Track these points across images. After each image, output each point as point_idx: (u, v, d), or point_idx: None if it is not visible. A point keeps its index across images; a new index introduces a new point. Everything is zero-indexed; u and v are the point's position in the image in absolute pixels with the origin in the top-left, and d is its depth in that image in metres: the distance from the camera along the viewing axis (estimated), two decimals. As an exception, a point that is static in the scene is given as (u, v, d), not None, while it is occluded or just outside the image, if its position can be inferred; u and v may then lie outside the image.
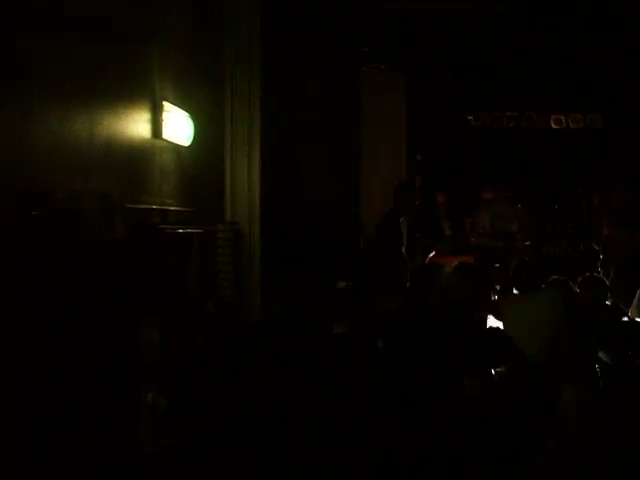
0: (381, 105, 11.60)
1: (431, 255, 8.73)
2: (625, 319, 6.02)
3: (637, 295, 6.13)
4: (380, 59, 11.46)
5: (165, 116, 5.21)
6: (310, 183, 7.78)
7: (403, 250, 7.84)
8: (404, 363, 4.51)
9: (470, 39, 11.20)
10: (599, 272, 6.95)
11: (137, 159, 4.95)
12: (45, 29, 3.52)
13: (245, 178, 6.92)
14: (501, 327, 5.49)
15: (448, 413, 4.32)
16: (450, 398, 4.46)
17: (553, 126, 14.23)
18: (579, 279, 6.17)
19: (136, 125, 4.93)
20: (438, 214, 12.57)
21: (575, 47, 11.42)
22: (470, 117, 14.43)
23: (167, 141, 5.36)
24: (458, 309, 5.03)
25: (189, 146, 5.77)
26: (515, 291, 6.12)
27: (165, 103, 5.24)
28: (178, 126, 5.45)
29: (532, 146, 13.80)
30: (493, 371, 5.03)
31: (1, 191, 3.08)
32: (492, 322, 5.80)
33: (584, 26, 9.72)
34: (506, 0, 8.49)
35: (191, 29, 5.94)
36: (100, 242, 4.16)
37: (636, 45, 10.76)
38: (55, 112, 3.75)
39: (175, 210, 5.46)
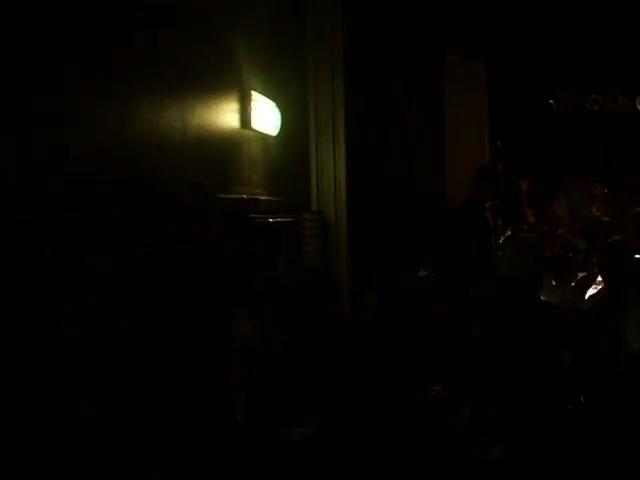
0: (463, 91, 11.47)
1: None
2: None
3: None
4: (460, 45, 11.34)
5: (253, 105, 5.21)
6: (395, 169, 7.72)
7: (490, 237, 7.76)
8: (501, 350, 4.44)
9: (551, 20, 10.99)
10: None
11: (227, 149, 4.97)
12: (134, 18, 3.54)
13: (331, 166, 6.92)
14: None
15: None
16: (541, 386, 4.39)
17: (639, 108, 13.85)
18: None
19: (226, 115, 4.95)
20: (521, 201, 12.34)
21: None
22: (552, 101, 14.14)
23: (255, 131, 5.37)
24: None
25: (276, 135, 5.78)
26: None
27: (253, 92, 5.24)
28: (266, 116, 5.46)
29: (617, 130, 13.43)
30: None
31: (101, 181, 3.11)
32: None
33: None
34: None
35: (273, 13, 5.93)
36: (195, 231, 4.19)
37: None
38: (150, 103, 3.78)
39: (264, 199, 5.48)
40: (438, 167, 9.13)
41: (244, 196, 5.04)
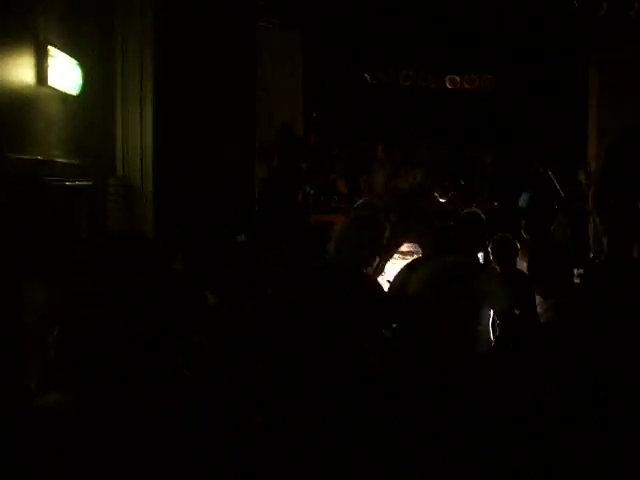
0: (278, 60, 11.43)
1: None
2: None
3: None
4: (276, 12, 11.25)
5: (51, 61, 4.89)
6: (206, 139, 7.53)
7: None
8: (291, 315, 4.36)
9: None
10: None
11: (19, 106, 4.65)
12: None
13: (137, 132, 6.67)
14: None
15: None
16: (338, 357, 4.30)
17: (448, 86, 14.34)
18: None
19: (18, 69, 4.62)
20: (334, 171, 12.49)
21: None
22: (367, 75, 14.36)
23: (53, 88, 5.05)
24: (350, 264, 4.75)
25: (77, 95, 5.47)
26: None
27: (51, 47, 4.92)
28: (65, 73, 5.15)
29: (427, 105, 13.84)
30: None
31: None
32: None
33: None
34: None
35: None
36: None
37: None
38: None
39: (62, 162, 5.18)
40: (249, 135, 9.01)
41: (39, 157, 4.74)
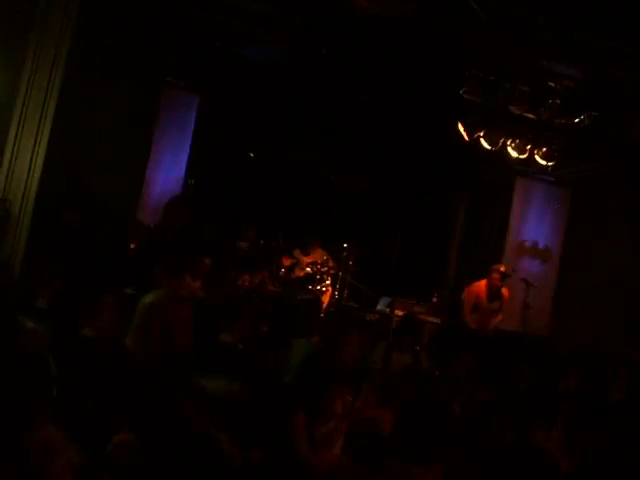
0: (174, 118, 11.37)
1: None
2: None
3: None
4: (181, 75, 11.25)
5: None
6: (96, 177, 7.35)
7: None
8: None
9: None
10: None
11: None
12: None
13: (28, 156, 6.42)
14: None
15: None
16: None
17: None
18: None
19: None
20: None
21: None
22: (251, 154, 14.44)
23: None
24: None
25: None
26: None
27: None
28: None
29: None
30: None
31: None
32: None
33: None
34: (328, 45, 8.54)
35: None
36: None
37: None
38: None
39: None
40: (134, 188, 8.88)
41: None
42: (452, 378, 7.36)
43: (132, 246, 8.50)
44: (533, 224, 12.85)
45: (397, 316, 11.28)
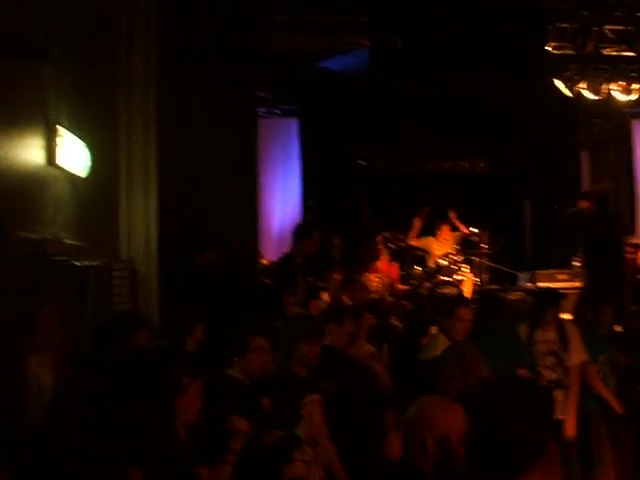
0: (276, 147, 11.58)
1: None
2: None
3: None
4: (277, 103, 11.46)
5: (60, 142, 4.90)
6: (207, 224, 7.55)
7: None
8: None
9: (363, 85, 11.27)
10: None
11: (29, 186, 4.63)
12: None
13: (142, 215, 6.62)
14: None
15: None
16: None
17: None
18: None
19: (27, 148, 4.61)
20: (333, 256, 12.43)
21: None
22: (362, 162, 14.52)
23: (62, 169, 5.04)
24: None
25: (85, 177, 5.46)
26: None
27: (60, 128, 4.93)
28: (73, 154, 5.15)
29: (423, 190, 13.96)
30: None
31: None
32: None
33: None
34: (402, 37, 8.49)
35: (83, 50, 5.64)
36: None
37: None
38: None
39: (69, 242, 5.12)
40: (250, 223, 9.04)
41: (47, 237, 4.69)
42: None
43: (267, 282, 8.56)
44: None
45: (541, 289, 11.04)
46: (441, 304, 7.78)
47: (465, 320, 6.18)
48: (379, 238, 11.67)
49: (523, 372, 6.33)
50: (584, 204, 10.78)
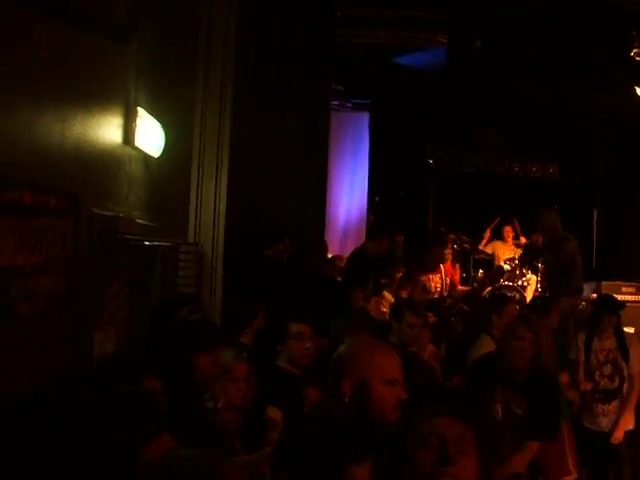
0: (346, 141, 11.58)
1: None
2: None
3: None
4: (349, 96, 11.46)
5: (138, 122, 4.98)
6: (277, 210, 7.59)
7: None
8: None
9: (437, 83, 11.21)
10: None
11: (106, 164, 4.72)
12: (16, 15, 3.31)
13: (211, 200, 6.69)
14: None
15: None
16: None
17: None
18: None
19: (108, 129, 4.70)
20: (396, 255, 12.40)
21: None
22: (431, 161, 14.45)
23: (138, 149, 5.12)
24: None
25: (158, 157, 5.54)
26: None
27: (139, 109, 5.00)
28: (150, 135, 5.22)
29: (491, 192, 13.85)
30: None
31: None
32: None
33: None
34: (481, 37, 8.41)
35: (164, 33, 5.72)
36: (63, 244, 3.91)
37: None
38: (27, 109, 3.54)
39: (141, 222, 5.21)
40: (318, 216, 9.07)
41: (120, 215, 4.77)
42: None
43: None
44: None
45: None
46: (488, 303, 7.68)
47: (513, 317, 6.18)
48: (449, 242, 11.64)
49: (564, 376, 6.36)
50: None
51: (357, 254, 8.57)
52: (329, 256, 9.31)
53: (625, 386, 6.68)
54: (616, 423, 6.61)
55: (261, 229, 7.30)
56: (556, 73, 9.27)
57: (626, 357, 6.71)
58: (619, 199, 13.70)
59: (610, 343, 6.77)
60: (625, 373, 6.70)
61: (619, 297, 10.19)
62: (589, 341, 6.79)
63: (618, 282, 11.52)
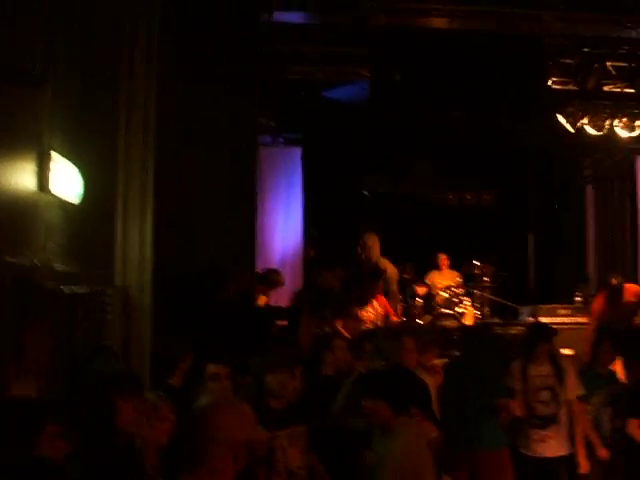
0: (279, 176, 11.58)
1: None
2: None
3: None
4: (280, 132, 11.50)
5: (52, 167, 4.90)
6: (205, 251, 7.53)
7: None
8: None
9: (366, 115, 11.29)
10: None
11: (20, 211, 4.63)
12: None
13: (137, 243, 6.61)
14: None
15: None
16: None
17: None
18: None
19: (21, 176, 4.62)
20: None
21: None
22: (366, 193, 14.53)
23: (54, 196, 5.04)
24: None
25: (78, 204, 5.46)
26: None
27: (53, 153, 4.93)
28: (66, 180, 5.15)
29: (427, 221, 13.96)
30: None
31: None
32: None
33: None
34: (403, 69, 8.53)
35: (83, 76, 5.66)
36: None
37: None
38: None
39: (61, 270, 5.12)
40: (249, 252, 9.01)
41: (36, 262, 4.68)
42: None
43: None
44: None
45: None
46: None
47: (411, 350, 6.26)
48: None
49: (501, 402, 6.38)
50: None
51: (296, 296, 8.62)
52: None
53: (562, 412, 6.68)
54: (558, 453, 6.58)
55: (187, 268, 7.25)
56: (478, 104, 9.41)
57: (562, 382, 6.71)
58: (553, 223, 13.94)
59: (546, 369, 6.75)
60: (561, 399, 6.70)
61: (556, 319, 10.35)
62: (524, 367, 6.77)
63: (554, 305, 11.65)
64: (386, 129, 11.49)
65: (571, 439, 6.60)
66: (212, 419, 2.75)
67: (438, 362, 7.06)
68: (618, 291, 9.56)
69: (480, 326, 10.94)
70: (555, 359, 6.78)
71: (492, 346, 7.12)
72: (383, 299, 10.38)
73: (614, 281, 9.70)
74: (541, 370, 6.69)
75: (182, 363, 5.64)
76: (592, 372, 7.03)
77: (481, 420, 6.33)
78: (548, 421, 6.63)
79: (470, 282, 12.48)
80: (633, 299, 9.50)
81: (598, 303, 9.96)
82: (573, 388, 6.64)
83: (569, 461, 6.62)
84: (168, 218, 6.93)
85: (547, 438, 6.61)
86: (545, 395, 6.68)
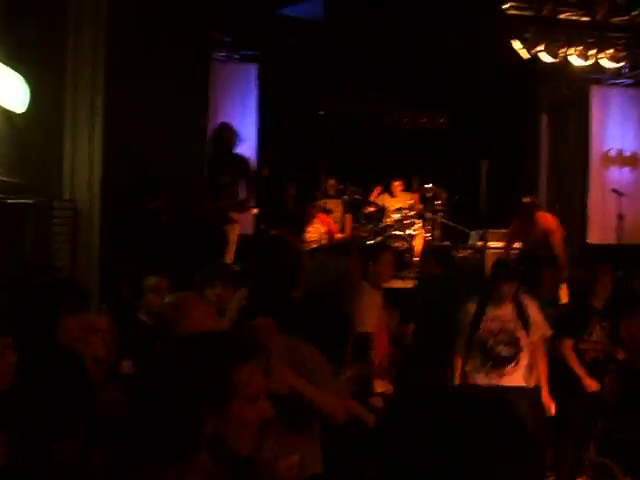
0: (234, 93, 11.45)
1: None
2: None
3: None
4: (236, 48, 11.33)
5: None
6: (156, 162, 7.47)
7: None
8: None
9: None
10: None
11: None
12: None
13: (86, 154, 6.56)
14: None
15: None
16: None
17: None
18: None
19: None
20: (288, 205, 12.45)
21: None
22: (321, 112, 14.45)
23: (-2, 104, 4.97)
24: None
25: (23, 113, 5.38)
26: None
27: (-3, 63, 4.85)
28: (10, 89, 5.06)
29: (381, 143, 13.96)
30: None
31: None
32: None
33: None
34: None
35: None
36: None
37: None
38: None
39: (5, 180, 5.08)
40: (198, 168, 8.95)
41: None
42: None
43: None
44: (616, 132, 12.35)
45: (490, 248, 11.17)
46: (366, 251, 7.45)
47: (390, 264, 6.05)
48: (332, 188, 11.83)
49: None
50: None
51: None
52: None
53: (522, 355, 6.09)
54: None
55: (141, 183, 7.21)
56: (434, 24, 9.34)
57: (526, 327, 6.10)
58: (507, 149, 14.01)
59: (507, 312, 6.13)
60: (522, 343, 6.09)
61: (503, 244, 10.47)
62: (482, 308, 6.15)
63: (503, 230, 11.77)
64: (340, 48, 11.39)
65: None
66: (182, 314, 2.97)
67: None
68: (527, 209, 9.15)
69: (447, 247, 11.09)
70: (518, 301, 6.15)
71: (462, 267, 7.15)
72: (326, 218, 10.49)
73: (526, 200, 9.34)
74: (501, 312, 6.14)
75: (130, 276, 5.67)
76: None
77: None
78: (504, 361, 6.08)
79: (423, 205, 12.58)
80: (545, 226, 9.09)
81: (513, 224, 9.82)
82: (537, 330, 6.14)
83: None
84: (118, 133, 6.85)
85: (506, 374, 6.06)
86: (502, 337, 6.09)
